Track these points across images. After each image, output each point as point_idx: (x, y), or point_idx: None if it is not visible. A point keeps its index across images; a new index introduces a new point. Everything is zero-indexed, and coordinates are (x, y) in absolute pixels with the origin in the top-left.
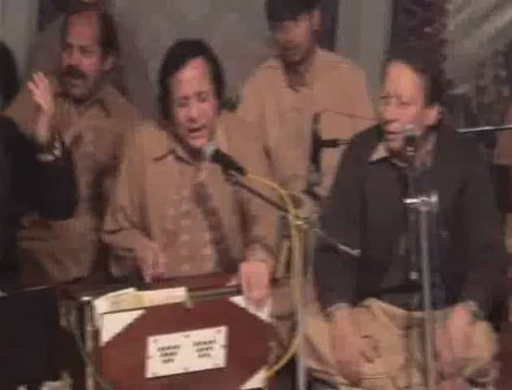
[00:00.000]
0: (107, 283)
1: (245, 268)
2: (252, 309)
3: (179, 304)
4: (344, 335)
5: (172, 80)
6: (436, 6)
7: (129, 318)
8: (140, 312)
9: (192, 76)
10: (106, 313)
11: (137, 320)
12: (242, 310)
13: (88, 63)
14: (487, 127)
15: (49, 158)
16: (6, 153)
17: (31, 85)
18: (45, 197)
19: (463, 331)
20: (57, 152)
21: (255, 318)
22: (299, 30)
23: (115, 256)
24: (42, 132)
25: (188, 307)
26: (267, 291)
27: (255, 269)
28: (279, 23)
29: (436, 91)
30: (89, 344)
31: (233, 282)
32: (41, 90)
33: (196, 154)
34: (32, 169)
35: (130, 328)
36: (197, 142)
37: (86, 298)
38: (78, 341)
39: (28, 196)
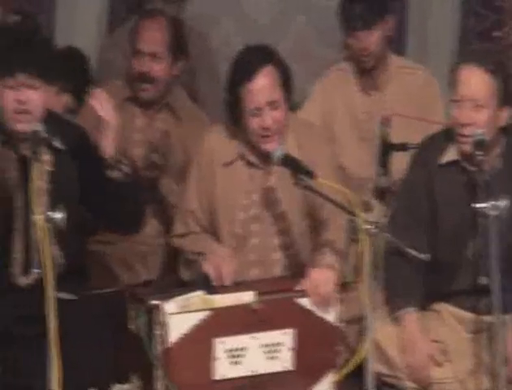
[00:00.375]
0: (177, 286)
1: (313, 275)
2: (319, 312)
3: (245, 305)
4: (414, 339)
5: (244, 90)
6: (505, 10)
7: (196, 318)
8: (206, 313)
9: (263, 86)
10: (173, 313)
11: (204, 321)
12: (309, 312)
13: (158, 69)
14: None
15: (116, 174)
16: (73, 160)
17: (93, 101)
18: (111, 212)
19: None
20: (125, 168)
21: (322, 321)
22: (373, 38)
23: (185, 259)
24: (109, 148)
25: (254, 308)
26: (334, 297)
27: (322, 276)
28: (352, 32)
29: (507, 92)
30: (158, 348)
31: (300, 286)
32: (103, 105)
33: (265, 158)
34: (99, 182)
35: (197, 329)
36: (269, 146)
37: (155, 302)
38: (146, 344)
39: (93, 208)
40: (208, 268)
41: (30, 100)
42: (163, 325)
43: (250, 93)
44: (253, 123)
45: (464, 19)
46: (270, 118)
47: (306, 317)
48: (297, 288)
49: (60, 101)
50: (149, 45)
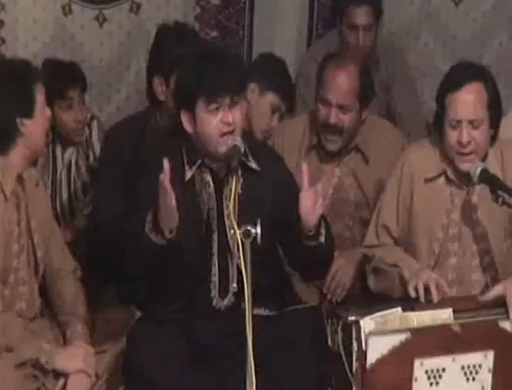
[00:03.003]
0: (368, 300)
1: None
2: None
3: (445, 326)
4: None
5: (449, 98)
6: None
7: (395, 339)
8: (406, 334)
9: (468, 100)
10: (372, 334)
11: (403, 342)
12: (510, 334)
13: (346, 120)
14: None
15: (312, 243)
16: (269, 188)
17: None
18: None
19: None
20: (321, 239)
21: None
22: None
23: (374, 268)
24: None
25: (454, 330)
26: None
27: None
28: None
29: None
30: (355, 365)
31: (492, 293)
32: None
33: (465, 176)
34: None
35: (396, 350)
36: (464, 166)
37: (352, 318)
38: (344, 361)
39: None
40: (417, 283)
41: (235, 119)
42: (361, 343)
43: (454, 103)
44: (451, 135)
45: None
46: (467, 135)
47: (507, 338)
48: (491, 293)
49: (266, 100)
50: (338, 97)
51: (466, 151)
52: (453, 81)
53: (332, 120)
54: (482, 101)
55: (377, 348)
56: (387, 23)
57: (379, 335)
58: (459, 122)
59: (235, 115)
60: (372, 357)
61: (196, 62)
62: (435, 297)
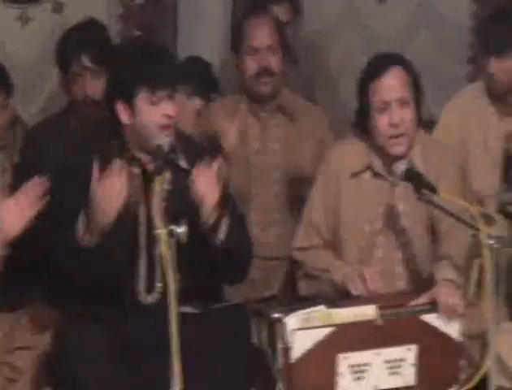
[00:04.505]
0: (296, 301)
1: (440, 288)
2: (443, 328)
3: (369, 321)
4: None
5: (372, 87)
6: None
7: (320, 334)
8: (330, 329)
9: (392, 82)
10: (297, 329)
11: (328, 337)
12: (433, 329)
13: (275, 61)
14: None
15: (214, 241)
16: None
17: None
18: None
19: None
20: (221, 235)
21: (446, 337)
22: (505, 67)
23: (304, 274)
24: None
25: (378, 324)
26: (461, 311)
27: (449, 290)
28: (493, 54)
29: None
30: (280, 361)
31: (421, 300)
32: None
33: (391, 169)
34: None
35: (320, 345)
36: (397, 150)
37: (277, 315)
38: (269, 358)
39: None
40: (355, 285)
41: (174, 112)
42: (286, 340)
43: (380, 87)
44: (381, 119)
45: None
46: (397, 115)
47: (430, 333)
48: (417, 301)
49: (193, 105)
50: (264, 39)
51: (398, 133)
52: (373, 70)
53: (264, 63)
54: (405, 82)
55: (301, 344)
56: (310, 21)
57: (303, 330)
58: (387, 103)
59: (174, 108)
60: (296, 353)
61: (134, 53)
62: (371, 290)
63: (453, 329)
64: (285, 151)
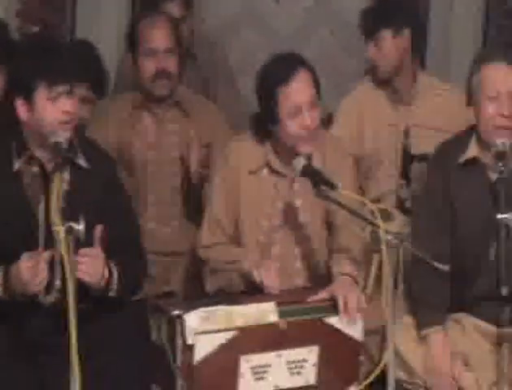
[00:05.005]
0: (199, 298)
1: (341, 291)
2: (346, 330)
3: (272, 324)
4: (439, 362)
5: (281, 92)
6: None
7: (222, 338)
8: (233, 333)
9: (302, 87)
10: (199, 333)
11: (230, 340)
12: (336, 331)
13: (173, 64)
14: None
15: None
16: (105, 194)
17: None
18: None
19: None
20: (112, 293)
21: (349, 338)
22: (380, 50)
23: (211, 271)
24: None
25: (281, 328)
26: (360, 306)
27: (346, 284)
28: (369, 38)
29: None
30: (180, 359)
31: (320, 296)
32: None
33: (290, 167)
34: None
35: (222, 348)
36: (306, 149)
37: (176, 312)
38: (169, 355)
39: None
40: (261, 275)
41: (74, 109)
42: (186, 339)
43: (289, 95)
44: (293, 124)
45: (486, 32)
46: (309, 118)
47: (333, 335)
48: (316, 297)
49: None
50: (161, 42)
51: (309, 134)
52: (281, 75)
53: (162, 65)
54: (312, 84)
55: (203, 347)
56: (208, 18)
57: (205, 333)
58: (299, 108)
59: (73, 104)
60: (198, 355)
61: (32, 49)
62: (276, 285)
63: (355, 330)
64: (181, 146)
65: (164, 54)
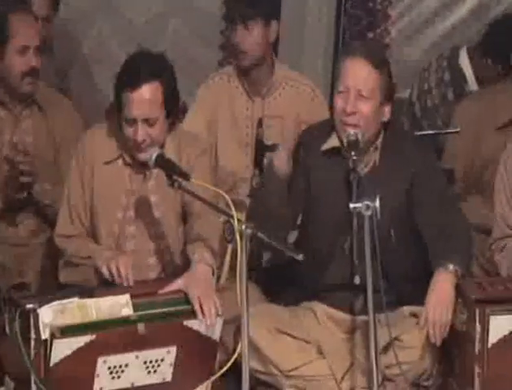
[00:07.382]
0: (54, 289)
1: (196, 290)
2: (205, 331)
3: (131, 327)
4: None
5: (125, 97)
6: (379, 12)
7: (80, 342)
8: (91, 336)
9: (144, 99)
10: (57, 337)
11: (88, 343)
12: (195, 333)
13: (40, 61)
14: (430, 131)
15: None
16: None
17: None
18: None
19: (450, 292)
20: None
21: (206, 339)
22: (250, 36)
23: (66, 262)
24: None
25: (139, 332)
26: (212, 291)
27: (206, 298)
28: (230, 26)
29: (390, 88)
30: (33, 353)
31: (172, 287)
32: None
33: (143, 163)
34: None
35: (80, 351)
36: (142, 156)
37: (30, 306)
38: (23, 353)
39: None
40: (110, 268)
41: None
42: (39, 331)
43: (130, 103)
44: (128, 131)
45: (338, 20)
46: (143, 133)
47: (191, 336)
48: (171, 288)
49: None
50: (35, 40)
51: (142, 146)
52: (129, 79)
53: (33, 63)
54: (158, 100)
55: (60, 351)
56: (62, 10)
57: (62, 339)
58: (135, 121)
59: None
60: (55, 359)
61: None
62: (129, 280)
63: (213, 332)
64: (37, 143)
65: (35, 51)
